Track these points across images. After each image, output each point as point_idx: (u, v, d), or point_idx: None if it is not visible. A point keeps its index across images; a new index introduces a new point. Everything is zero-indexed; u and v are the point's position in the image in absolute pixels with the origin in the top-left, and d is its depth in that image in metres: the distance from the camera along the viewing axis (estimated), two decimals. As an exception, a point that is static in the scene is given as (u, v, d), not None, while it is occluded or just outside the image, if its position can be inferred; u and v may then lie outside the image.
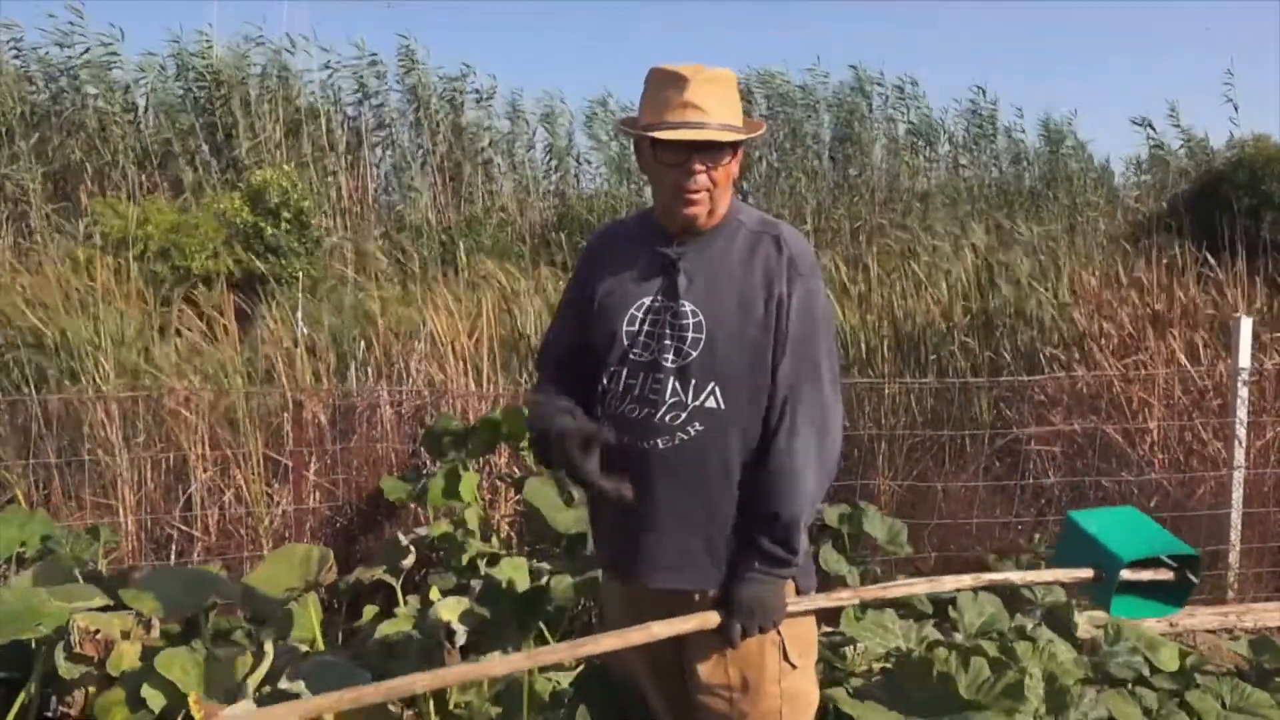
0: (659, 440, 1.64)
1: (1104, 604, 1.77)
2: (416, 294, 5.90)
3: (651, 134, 1.60)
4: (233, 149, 11.23)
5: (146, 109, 11.41)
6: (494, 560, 3.24)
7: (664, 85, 1.63)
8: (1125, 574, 1.74)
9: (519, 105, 13.17)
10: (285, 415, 4.13)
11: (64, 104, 11.07)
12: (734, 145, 1.64)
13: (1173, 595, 1.82)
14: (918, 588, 1.81)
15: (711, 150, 1.61)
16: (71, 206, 10.02)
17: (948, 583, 1.80)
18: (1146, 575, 1.77)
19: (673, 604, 1.68)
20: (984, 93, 14.08)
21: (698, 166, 1.60)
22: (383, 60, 12.61)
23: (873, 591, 1.81)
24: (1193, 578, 1.79)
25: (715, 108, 1.61)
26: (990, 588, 2.08)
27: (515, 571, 2.99)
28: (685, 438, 1.63)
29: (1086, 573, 1.76)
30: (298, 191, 9.03)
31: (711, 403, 1.63)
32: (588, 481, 1.60)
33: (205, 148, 11.20)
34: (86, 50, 11.24)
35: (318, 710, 1.41)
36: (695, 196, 1.62)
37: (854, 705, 2.28)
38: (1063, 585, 1.80)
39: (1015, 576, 1.85)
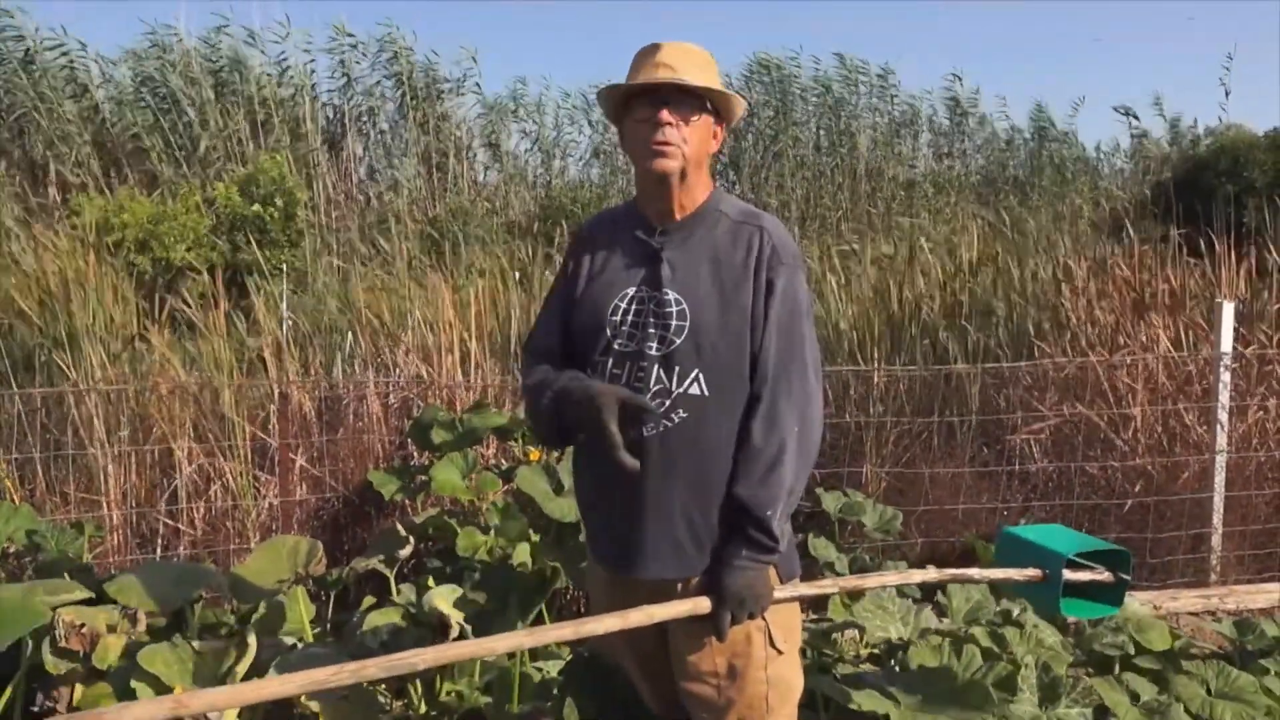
0: (644, 428, 1.65)
1: (1053, 603, 1.87)
2: (403, 284, 5.87)
3: (622, 85, 1.67)
4: (196, 146, 11.13)
5: (138, 108, 11.28)
6: (500, 549, 3.25)
7: (641, 55, 1.70)
8: (1067, 574, 1.84)
9: (499, 96, 13.14)
10: (271, 407, 4.11)
11: (23, 101, 10.94)
12: (704, 102, 1.68)
13: (1110, 596, 1.93)
14: (889, 579, 1.90)
15: (681, 105, 1.65)
16: (41, 199, 9.94)
17: (915, 576, 1.94)
18: (1086, 575, 1.88)
19: (657, 592, 1.69)
20: (960, 81, 14.16)
21: (666, 116, 1.64)
22: (364, 43, 12.53)
23: (851, 581, 1.91)
24: (1125, 577, 1.90)
25: (687, 68, 1.66)
26: (956, 580, 2.19)
27: (524, 556, 2.98)
28: (670, 425, 1.64)
29: (1035, 571, 1.87)
30: (287, 181, 8.97)
31: (695, 389, 1.64)
32: (612, 443, 1.56)
33: (167, 143, 11.08)
34: (28, 52, 11.15)
35: (319, 684, 1.38)
36: (666, 149, 1.65)
37: (847, 692, 2.29)
38: (1015, 586, 1.90)
39: (975, 573, 1.97)
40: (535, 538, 3.31)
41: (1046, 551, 1.87)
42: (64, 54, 11.36)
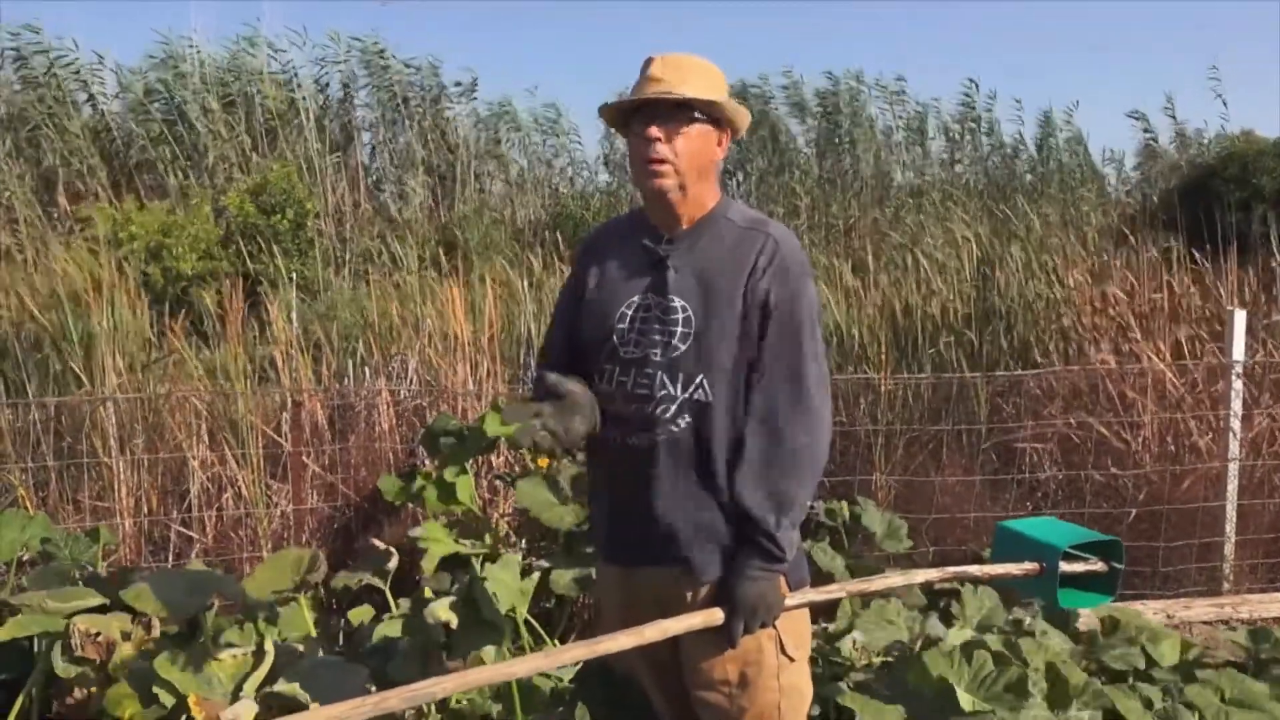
0: (652, 434, 1.66)
1: (1050, 595, 1.92)
2: (414, 293, 5.90)
3: (612, 103, 1.70)
4: (204, 156, 11.20)
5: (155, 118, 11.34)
6: (491, 558, 3.25)
7: (639, 71, 1.71)
8: (1063, 566, 1.89)
9: (506, 105, 13.17)
10: (284, 415, 4.13)
11: (40, 110, 11.03)
12: (691, 111, 1.65)
13: (1104, 585, 1.98)
14: (894, 581, 1.91)
15: (670, 118, 1.64)
16: (54, 209, 10.01)
17: (919, 576, 1.96)
18: (1081, 567, 1.93)
19: (668, 596, 1.70)
20: (977, 87, 14.10)
21: (654, 132, 1.64)
22: (364, 52, 12.55)
23: (859, 585, 1.92)
24: (1118, 565, 1.96)
25: (678, 79, 1.65)
26: (961, 580, 2.19)
27: (506, 569, 2.99)
28: (676, 430, 1.65)
29: (1032, 565, 1.91)
30: (297, 190, 9.04)
31: (700, 395, 1.65)
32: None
33: (175, 154, 11.15)
34: (25, 68, 11.26)
35: (338, 718, 1.38)
36: (659, 167, 1.65)
37: (855, 700, 2.29)
38: (1013, 579, 1.92)
39: (975, 570, 2.01)
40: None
41: (1042, 545, 1.92)
42: (74, 65, 11.45)
